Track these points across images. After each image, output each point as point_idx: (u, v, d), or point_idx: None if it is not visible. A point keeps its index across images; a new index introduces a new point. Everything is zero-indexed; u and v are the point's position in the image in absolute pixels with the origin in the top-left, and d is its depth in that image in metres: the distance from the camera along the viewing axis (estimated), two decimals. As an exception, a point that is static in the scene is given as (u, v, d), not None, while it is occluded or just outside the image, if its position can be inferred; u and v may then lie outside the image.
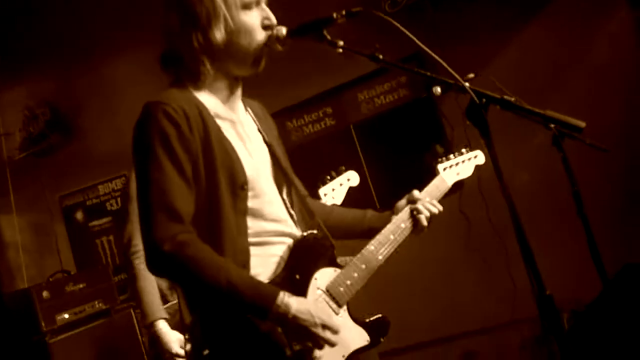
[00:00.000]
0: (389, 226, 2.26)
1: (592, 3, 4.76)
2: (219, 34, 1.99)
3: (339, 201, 3.46)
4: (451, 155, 2.65)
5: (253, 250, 1.99)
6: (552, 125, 1.92)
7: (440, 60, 1.78)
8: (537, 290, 1.61)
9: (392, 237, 2.24)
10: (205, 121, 1.97)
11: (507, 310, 4.79)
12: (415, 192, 2.36)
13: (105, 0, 5.81)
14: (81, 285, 5.04)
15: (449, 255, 5.01)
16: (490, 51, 4.97)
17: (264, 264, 2.01)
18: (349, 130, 5.48)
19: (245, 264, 1.96)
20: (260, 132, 2.20)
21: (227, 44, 2.00)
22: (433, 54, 1.79)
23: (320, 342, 1.90)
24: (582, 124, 1.66)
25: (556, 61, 4.81)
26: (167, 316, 3.34)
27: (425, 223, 2.30)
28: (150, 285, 3.33)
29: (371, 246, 2.19)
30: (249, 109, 2.22)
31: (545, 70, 4.81)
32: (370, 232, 2.31)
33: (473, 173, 2.73)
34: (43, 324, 4.76)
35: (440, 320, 4.98)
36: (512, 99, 1.70)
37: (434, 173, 2.57)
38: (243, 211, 1.98)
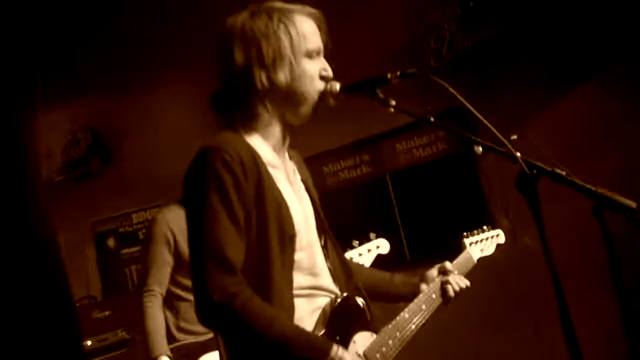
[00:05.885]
0: (421, 296, 2.26)
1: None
2: (282, 77, 1.96)
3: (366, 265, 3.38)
4: (475, 231, 2.72)
5: (296, 303, 1.97)
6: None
7: (491, 127, 1.76)
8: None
9: (424, 307, 2.24)
10: (259, 169, 1.94)
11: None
12: (447, 264, 2.36)
13: (152, 32, 5.92)
14: (107, 313, 5.07)
15: (478, 322, 4.91)
16: (531, 111, 4.95)
17: (305, 318, 1.98)
18: (384, 178, 5.50)
19: (289, 319, 1.93)
20: (303, 182, 2.19)
21: (288, 89, 1.98)
22: (485, 121, 1.77)
23: None
24: (633, 205, 1.64)
25: (592, 132, 4.76)
26: (170, 354, 3.58)
27: (454, 296, 2.31)
28: (157, 324, 3.64)
29: (405, 314, 2.18)
30: (291, 157, 2.21)
31: (581, 137, 4.75)
32: (396, 298, 2.31)
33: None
34: (67, 350, 4.77)
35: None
36: (564, 173, 1.69)
37: (460, 247, 2.63)
38: (290, 264, 1.96)
